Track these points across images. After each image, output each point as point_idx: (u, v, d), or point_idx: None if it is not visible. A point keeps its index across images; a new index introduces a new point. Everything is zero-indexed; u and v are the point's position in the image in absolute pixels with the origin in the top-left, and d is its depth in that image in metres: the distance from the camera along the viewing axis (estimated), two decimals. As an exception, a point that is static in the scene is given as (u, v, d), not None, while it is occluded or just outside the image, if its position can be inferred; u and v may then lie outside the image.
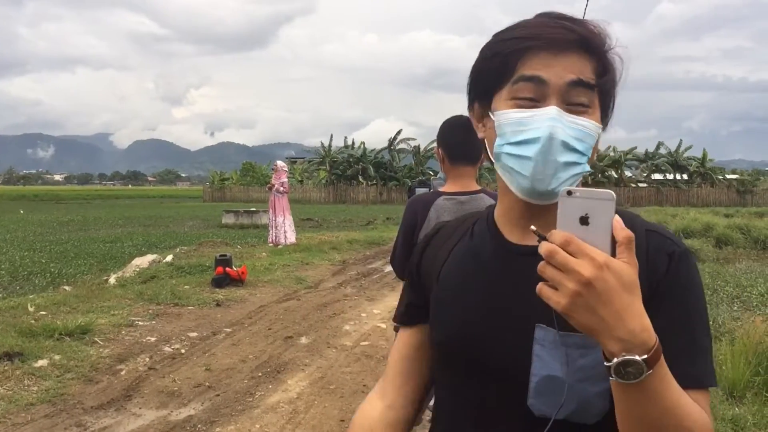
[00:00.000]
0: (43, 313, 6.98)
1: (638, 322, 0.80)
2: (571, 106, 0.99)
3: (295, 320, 7.37)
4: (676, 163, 53.37)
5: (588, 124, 1.00)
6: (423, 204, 2.86)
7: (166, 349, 6.08)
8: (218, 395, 4.92)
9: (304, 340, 6.55)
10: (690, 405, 0.88)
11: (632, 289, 0.80)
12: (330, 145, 57.19)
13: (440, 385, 1.19)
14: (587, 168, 1.01)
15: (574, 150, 0.98)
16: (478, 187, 2.85)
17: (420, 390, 1.26)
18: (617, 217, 0.81)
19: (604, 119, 1.06)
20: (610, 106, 1.07)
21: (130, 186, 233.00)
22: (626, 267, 0.80)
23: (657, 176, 54.05)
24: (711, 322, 6.67)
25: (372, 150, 57.61)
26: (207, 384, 5.14)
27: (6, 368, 5.14)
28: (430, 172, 55.67)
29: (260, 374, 5.43)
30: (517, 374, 1.02)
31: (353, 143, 58.10)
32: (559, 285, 0.80)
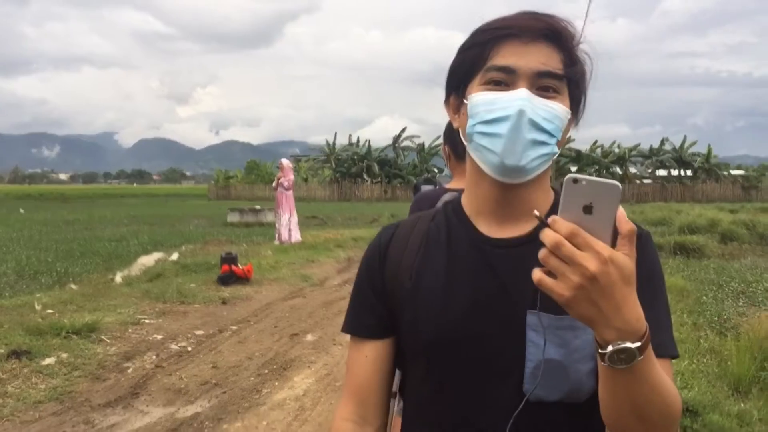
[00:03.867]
0: (50, 311, 7.02)
1: (633, 312, 0.83)
2: (540, 91, 1.04)
3: (301, 318, 7.39)
4: (680, 159, 53.24)
5: (556, 106, 1.04)
6: (429, 201, 2.87)
7: (173, 346, 6.11)
8: (225, 392, 4.94)
9: (309, 337, 6.57)
10: (668, 381, 0.92)
11: (631, 282, 0.82)
12: (335, 143, 57.26)
13: (420, 386, 1.16)
14: (556, 150, 1.05)
15: (542, 130, 1.02)
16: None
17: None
18: (621, 209, 0.82)
19: (575, 109, 1.10)
20: (581, 99, 1.11)
21: (135, 185, 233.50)
22: (627, 261, 0.81)
23: (661, 172, 53.93)
24: (716, 318, 6.66)
25: (376, 148, 57.65)
26: (214, 381, 5.17)
27: (14, 366, 5.17)
28: (435, 170, 55.66)
29: (266, 371, 5.45)
30: (510, 362, 1.04)
31: (358, 141, 58.18)
32: (563, 276, 0.81)
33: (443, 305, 1.10)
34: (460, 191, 1.21)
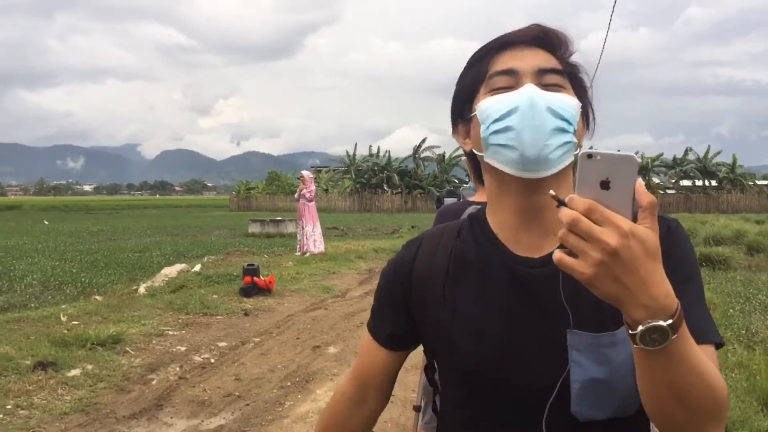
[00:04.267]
0: (76, 322, 7.09)
1: (661, 288, 0.79)
2: (546, 87, 1.04)
3: (323, 329, 7.39)
4: (704, 168, 52.68)
5: (566, 97, 1.03)
6: (453, 214, 2.86)
7: (196, 358, 6.14)
8: (248, 405, 4.95)
9: (332, 349, 6.57)
10: (708, 363, 0.87)
11: (655, 256, 0.79)
12: (355, 154, 57.40)
13: (458, 411, 1.14)
14: (575, 140, 1.02)
15: (558, 116, 1.00)
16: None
17: None
18: (640, 180, 0.80)
19: (583, 115, 1.09)
20: (587, 107, 1.11)
21: (157, 196, 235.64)
22: (650, 233, 0.78)
23: (686, 182, 53.36)
24: (744, 332, 6.55)
25: (396, 158, 57.71)
26: (237, 394, 5.18)
27: (40, 378, 5.22)
28: (456, 180, 55.56)
29: (289, 384, 5.45)
30: (553, 385, 1.02)
31: (378, 151, 58.26)
32: (583, 254, 0.78)
33: (481, 333, 1.07)
34: (484, 204, 1.19)
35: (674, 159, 53.95)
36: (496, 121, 1.02)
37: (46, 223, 32.58)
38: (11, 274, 12.44)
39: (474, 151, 1.11)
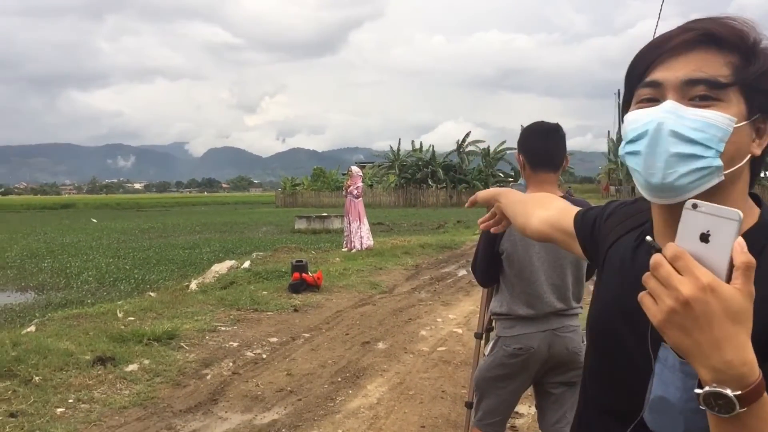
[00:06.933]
0: (132, 318, 7.28)
1: (739, 354, 0.75)
2: (693, 101, 0.96)
3: (372, 325, 7.43)
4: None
5: (711, 115, 0.94)
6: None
7: (249, 354, 6.24)
8: (300, 400, 5.02)
9: (381, 345, 6.61)
10: None
11: (739, 319, 0.75)
12: (399, 149, 57.40)
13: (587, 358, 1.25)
14: (717, 162, 0.94)
15: (689, 141, 0.93)
16: (561, 193, 2.82)
17: None
18: (740, 240, 0.78)
19: (753, 112, 0.97)
20: (763, 101, 0.98)
21: (205, 193, 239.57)
22: (736, 294, 0.75)
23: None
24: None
25: (441, 153, 57.53)
26: (289, 389, 5.25)
27: (100, 372, 5.38)
28: (500, 174, 55.11)
29: (340, 379, 5.50)
30: (637, 380, 1.03)
31: (421, 146, 58.14)
32: (658, 298, 0.79)
33: (603, 296, 1.17)
34: None
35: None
36: (629, 142, 1.00)
37: (94, 221, 33.45)
38: (68, 271, 12.85)
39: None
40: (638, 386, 1.02)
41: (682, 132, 0.94)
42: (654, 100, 0.99)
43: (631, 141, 0.99)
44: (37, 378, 5.09)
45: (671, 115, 0.95)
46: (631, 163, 1.00)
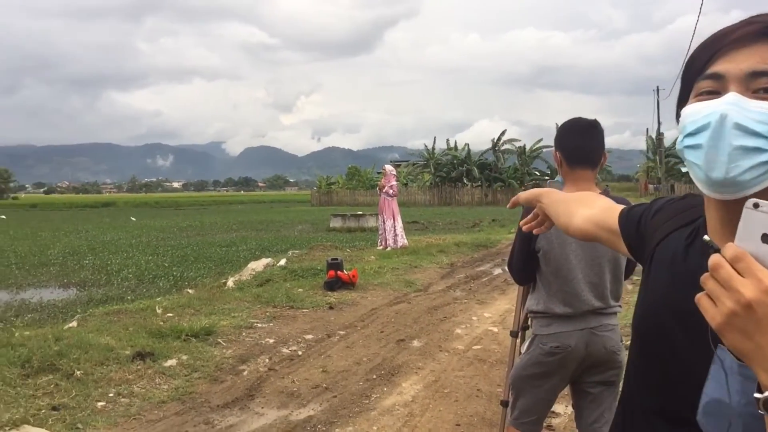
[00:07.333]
0: (170, 314, 7.39)
1: None
2: (757, 93, 0.93)
3: (407, 323, 7.43)
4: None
5: None
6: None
7: (284, 350, 6.29)
8: (335, 396, 5.04)
9: (416, 343, 6.60)
10: None
11: None
12: (434, 148, 57.26)
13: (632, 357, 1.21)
14: None
15: (754, 133, 0.90)
16: (599, 190, 2.78)
17: None
18: None
19: None
20: None
21: (242, 191, 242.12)
22: None
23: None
24: None
25: (476, 151, 57.24)
26: (324, 385, 5.28)
27: (139, 367, 5.47)
28: (536, 173, 54.61)
29: (375, 377, 5.51)
30: (690, 381, 0.99)
31: (456, 145, 57.92)
32: (718, 301, 0.77)
33: (654, 294, 1.12)
34: None
35: None
36: (688, 135, 0.97)
37: (133, 219, 34.07)
38: (108, 268, 13.10)
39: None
40: (690, 388, 0.99)
41: (746, 124, 0.90)
42: (714, 93, 0.96)
43: (691, 134, 0.96)
44: (78, 372, 5.20)
45: (735, 107, 0.91)
46: (691, 156, 0.96)
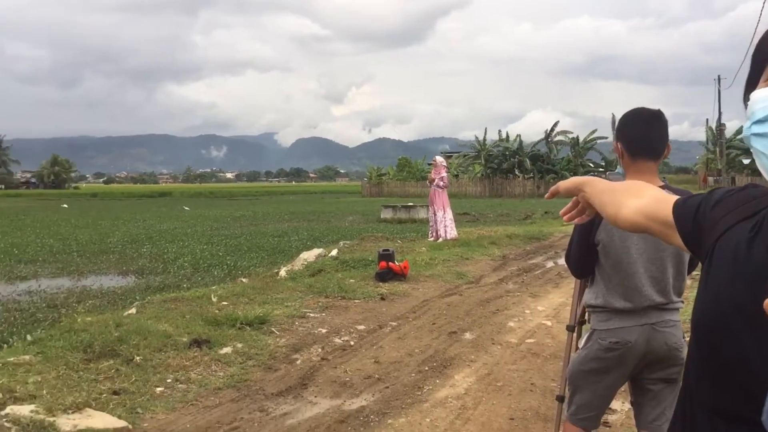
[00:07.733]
0: (225, 303, 7.52)
1: None
2: None
3: (458, 315, 7.39)
4: None
5: None
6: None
7: (337, 340, 6.34)
8: (387, 387, 5.05)
9: (468, 335, 6.56)
10: None
11: None
12: (485, 139, 56.83)
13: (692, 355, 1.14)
14: None
15: None
16: (661, 183, 2.70)
17: None
18: None
19: None
20: None
21: (293, 182, 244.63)
22: None
23: None
24: None
25: (528, 143, 56.57)
26: (376, 376, 5.29)
27: (196, 354, 5.58)
28: (590, 164, 53.63)
29: (427, 368, 5.50)
30: (754, 380, 0.95)
31: (507, 136, 57.32)
32: None
33: (713, 292, 1.03)
34: None
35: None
36: (757, 122, 0.92)
37: (186, 209, 34.77)
38: (165, 257, 13.42)
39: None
40: (754, 387, 0.95)
41: None
42: None
43: (759, 121, 0.91)
44: (138, 358, 5.33)
45: None
46: (758, 145, 0.92)
